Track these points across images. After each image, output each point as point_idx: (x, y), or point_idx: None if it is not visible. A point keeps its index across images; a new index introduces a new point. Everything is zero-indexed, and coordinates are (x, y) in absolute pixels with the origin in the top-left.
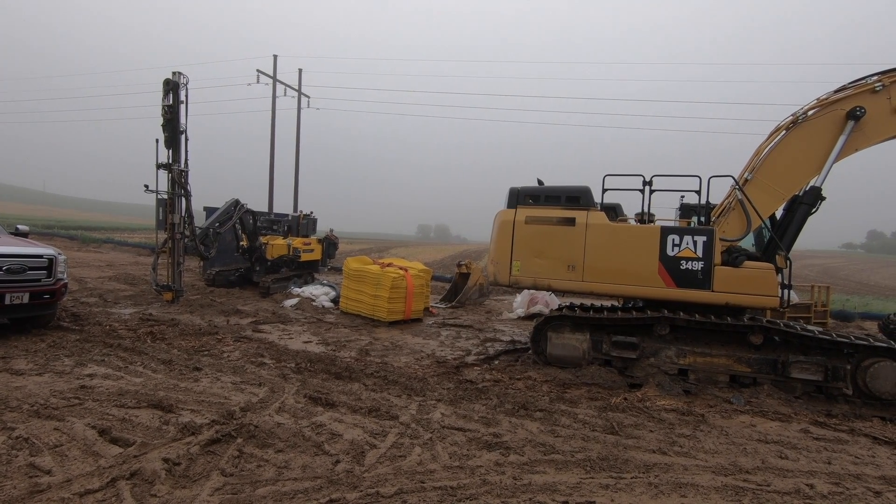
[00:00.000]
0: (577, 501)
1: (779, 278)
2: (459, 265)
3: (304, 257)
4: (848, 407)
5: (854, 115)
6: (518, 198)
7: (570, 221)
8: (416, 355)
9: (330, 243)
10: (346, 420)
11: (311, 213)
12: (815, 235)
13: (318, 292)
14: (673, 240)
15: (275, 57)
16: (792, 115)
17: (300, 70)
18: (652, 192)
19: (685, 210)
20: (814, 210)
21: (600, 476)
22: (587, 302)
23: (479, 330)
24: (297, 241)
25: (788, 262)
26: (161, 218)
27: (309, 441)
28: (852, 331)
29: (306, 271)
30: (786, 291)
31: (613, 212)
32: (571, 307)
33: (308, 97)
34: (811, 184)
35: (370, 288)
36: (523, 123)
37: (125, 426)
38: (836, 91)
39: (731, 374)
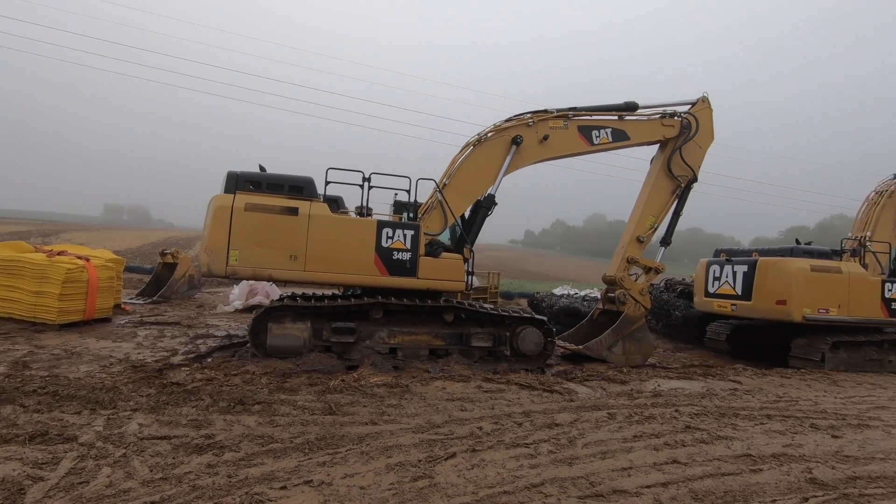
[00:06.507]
0: (295, 483)
1: (466, 267)
2: (164, 254)
3: None
4: (507, 364)
5: (516, 142)
6: (237, 183)
7: (294, 211)
8: (104, 361)
9: None
10: None
11: None
12: (492, 232)
13: None
14: (387, 233)
15: None
16: (477, 134)
17: None
18: (370, 187)
19: (398, 206)
20: (490, 213)
21: (318, 455)
22: (308, 291)
23: (188, 327)
24: None
25: (472, 253)
26: None
27: None
28: (512, 306)
29: None
30: (470, 277)
31: (335, 204)
32: (293, 297)
33: None
34: (489, 191)
35: (29, 283)
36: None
37: None
38: (507, 120)
39: (430, 349)
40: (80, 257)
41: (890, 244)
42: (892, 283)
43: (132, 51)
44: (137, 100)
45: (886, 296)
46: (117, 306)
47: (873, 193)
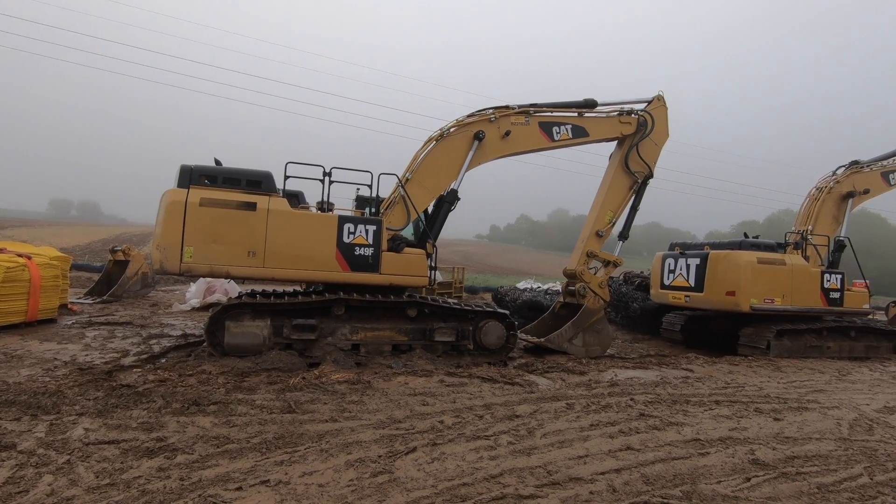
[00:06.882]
0: (252, 484)
1: (429, 262)
2: (114, 251)
3: None
4: (470, 358)
5: (478, 137)
6: (191, 177)
7: (251, 206)
8: (47, 364)
9: None
10: None
11: None
12: (457, 227)
13: None
14: (349, 228)
15: None
16: (440, 129)
17: None
18: (331, 182)
19: (360, 201)
20: (452, 208)
21: (276, 455)
22: (268, 288)
23: (141, 326)
24: None
25: (435, 248)
26: None
27: None
28: (477, 301)
29: None
30: (433, 272)
31: (295, 199)
32: (252, 294)
33: None
34: (451, 187)
35: None
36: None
37: None
38: (469, 115)
39: (393, 344)
40: (20, 255)
41: (829, 237)
42: (830, 274)
43: (81, 38)
44: (85, 91)
45: (825, 286)
46: (63, 306)
47: (814, 189)
